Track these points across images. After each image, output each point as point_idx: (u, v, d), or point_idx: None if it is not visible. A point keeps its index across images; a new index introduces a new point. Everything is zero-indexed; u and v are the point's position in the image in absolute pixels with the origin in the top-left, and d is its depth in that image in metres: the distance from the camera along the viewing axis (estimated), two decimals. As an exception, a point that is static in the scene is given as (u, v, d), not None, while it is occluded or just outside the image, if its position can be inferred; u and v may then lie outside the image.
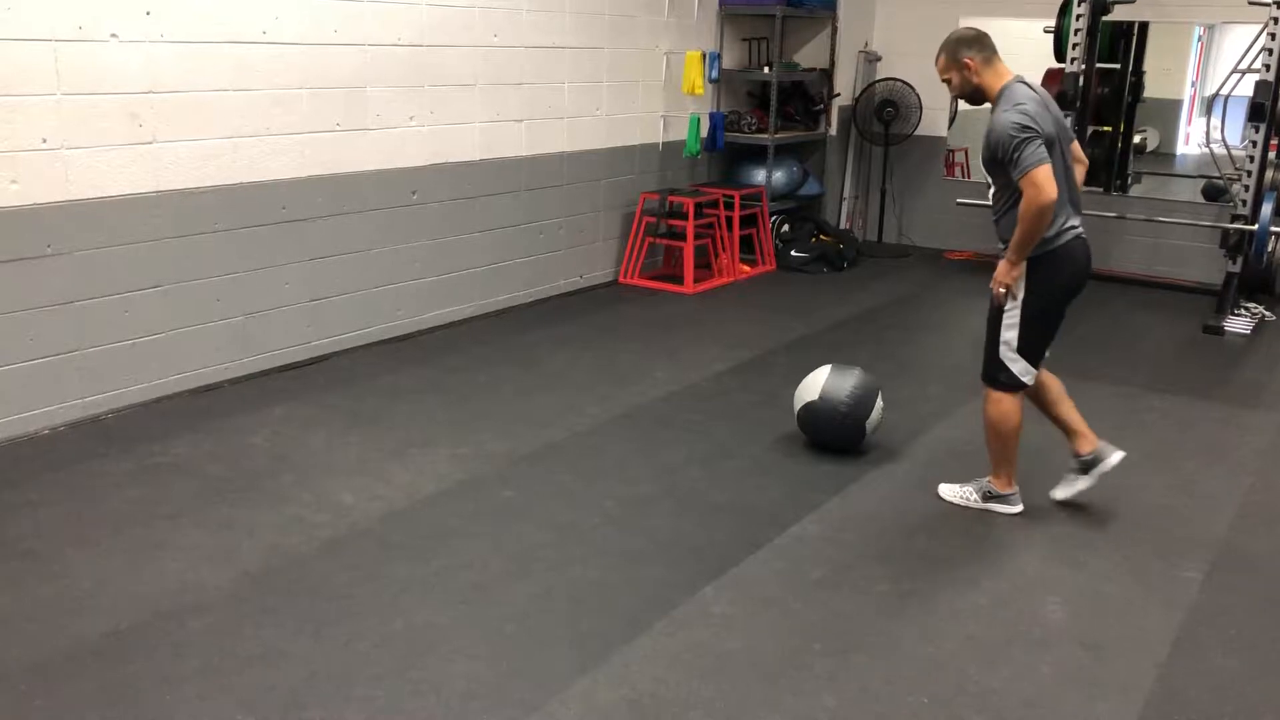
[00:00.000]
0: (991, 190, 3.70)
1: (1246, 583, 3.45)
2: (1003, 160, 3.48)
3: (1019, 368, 3.69)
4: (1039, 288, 3.62)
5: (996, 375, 3.74)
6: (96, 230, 4.43)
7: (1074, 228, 3.64)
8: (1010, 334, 3.67)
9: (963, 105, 8.83)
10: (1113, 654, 3.02)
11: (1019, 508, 3.86)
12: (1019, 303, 3.64)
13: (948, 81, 3.71)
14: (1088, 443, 3.85)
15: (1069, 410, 3.88)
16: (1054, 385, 3.89)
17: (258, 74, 4.90)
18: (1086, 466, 3.84)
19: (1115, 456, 3.82)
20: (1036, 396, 3.89)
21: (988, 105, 3.67)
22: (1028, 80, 3.64)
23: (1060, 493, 3.90)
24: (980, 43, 3.63)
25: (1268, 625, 3.19)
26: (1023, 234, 3.49)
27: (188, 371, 4.86)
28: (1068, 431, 3.89)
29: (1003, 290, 3.64)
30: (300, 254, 5.25)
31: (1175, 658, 3.01)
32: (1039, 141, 3.42)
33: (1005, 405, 3.77)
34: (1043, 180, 3.39)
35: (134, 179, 4.52)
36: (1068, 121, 3.90)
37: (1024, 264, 3.58)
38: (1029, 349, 3.69)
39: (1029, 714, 2.74)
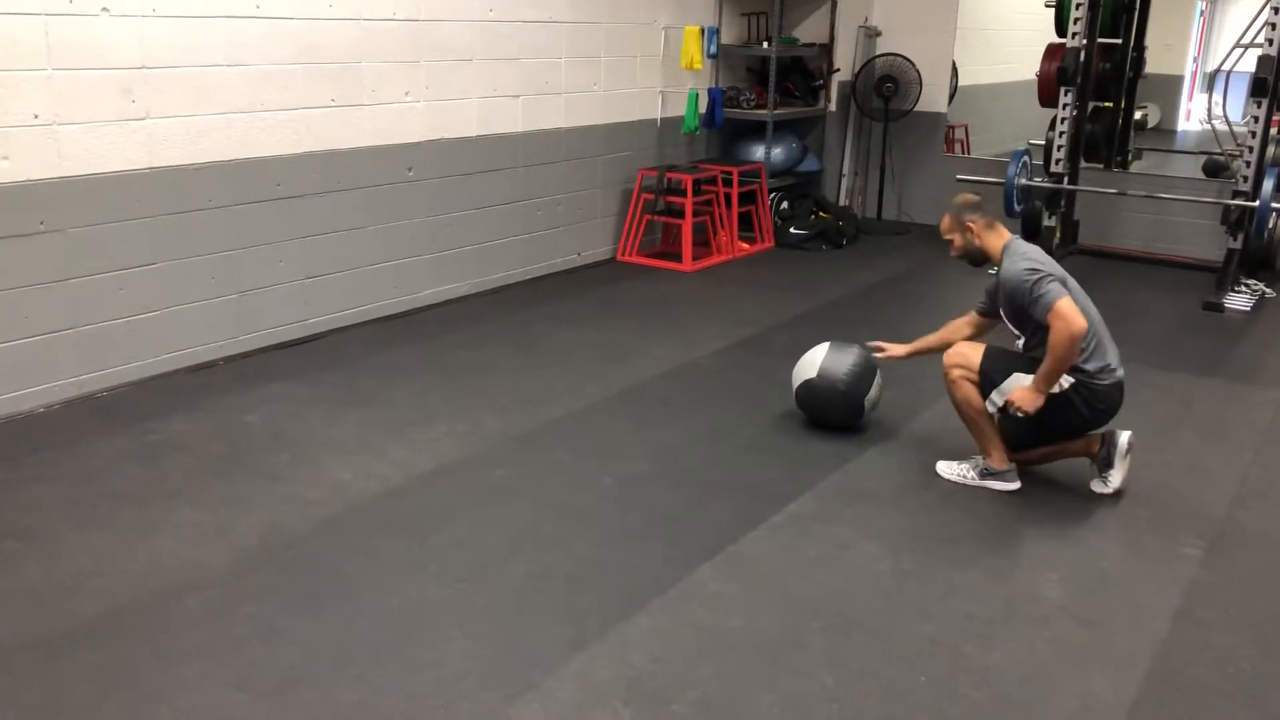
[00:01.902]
0: (1021, 341, 3.80)
1: (1246, 559, 3.45)
2: (1025, 305, 3.60)
3: (997, 399, 3.71)
4: (1064, 404, 3.65)
5: (992, 371, 3.74)
6: (90, 207, 4.40)
7: (1116, 371, 3.71)
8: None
9: (963, 80, 8.82)
10: (1111, 630, 3.01)
11: (1016, 484, 3.85)
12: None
13: (950, 242, 3.92)
14: (1094, 442, 3.84)
15: (1062, 447, 3.91)
16: (1044, 449, 3.92)
17: (251, 49, 4.86)
18: (1107, 461, 3.82)
19: (1123, 437, 3.80)
20: (1026, 464, 3.92)
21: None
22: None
23: (1099, 488, 3.87)
24: (982, 208, 3.85)
25: (1267, 602, 3.19)
26: (1053, 363, 3.55)
27: (183, 349, 4.84)
28: (1076, 456, 3.91)
29: (1018, 411, 3.66)
30: (296, 231, 5.22)
31: (1174, 634, 3.00)
32: (1053, 279, 3.56)
33: (964, 390, 3.81)
34: (1067, 311, 3.49)
35: (127, 155, 4.49)
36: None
37: (1048, 395, 3.63)
38: (1012, 422, 3.74)
39: (1027, 691, 2.74)
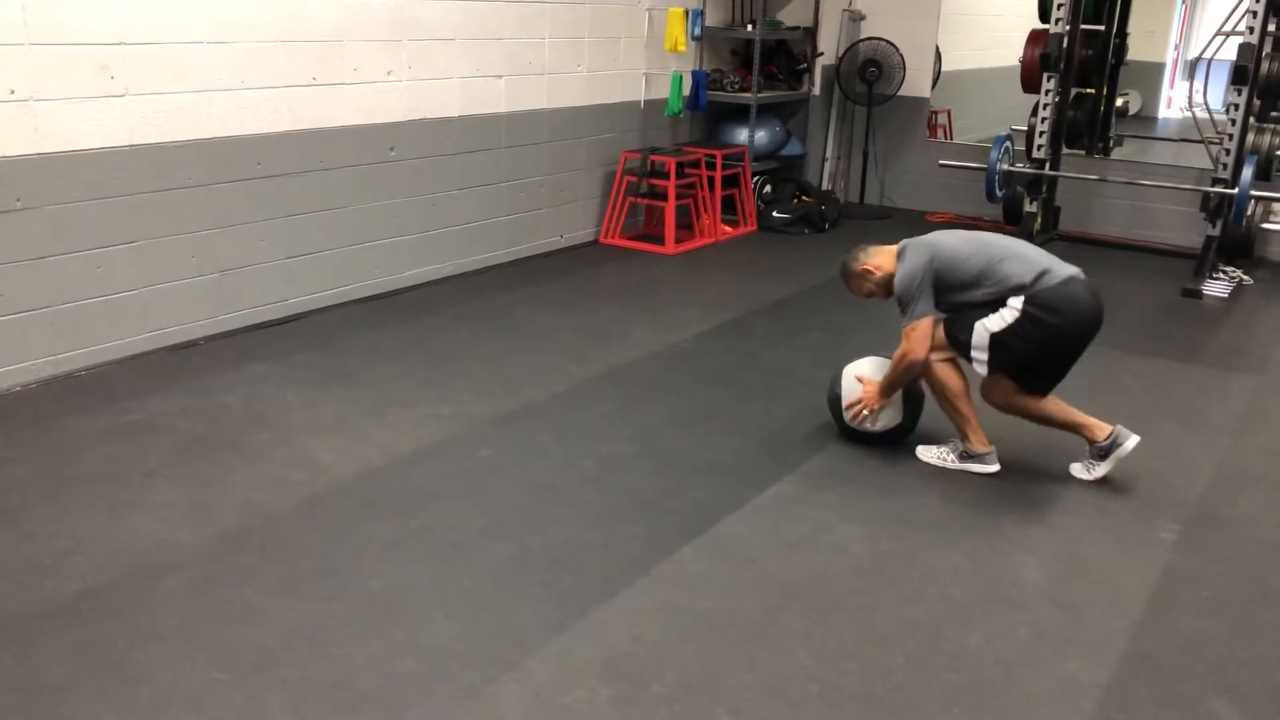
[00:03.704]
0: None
1: (1221, 544, 3.48)
2: (901, 307, 3.76)
3: (977, 355, 3.72)
4: (1031, 324, 3.62)
5: (957, 331, 3.75)
6: (68, 184, 4.35)
7: (1053, 273, 3.65)
8: (995, 326, 3.67)
9: (946, 65, 8.83)
10: (1088, 614, 3.04)
11: (995, 466, 3.87)
12: (1007, 324, 3.65)
13: (871, 294, 3.96)
14: (1100, 430, 3.81)
15: (1067, 414, 3.84)
16: (1047, 404, 3.84)
17: (232, 26, 4.81)
18: (1104, 452, 3.81)
19: (1131, 442, 3.78)
20: (1029, 417, 3.87)
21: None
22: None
23: (1079, 473, 3.88)
24: (862, 250, 3.96)
25: (1241, 586, 3.22)
26: (889, 379, 3.86)
27: (163, 328, 4.81)
28: (1075, 429, 3.85)
29: (865, 412, 3.94)
30: (276, 210, 5.18)
31: (1149, 617, 3.03)
32: (928, 292, 3.69)
33: (941, 371, 3.81)
34: (918, 338, 3.69)
35: (106, 132, 4.44)
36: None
37: (892, 395, 3.91)
38: (999, 359, 3.72)
39: (1004, 673, 2.76)
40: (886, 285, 3.86)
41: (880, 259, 3.88)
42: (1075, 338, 3.70)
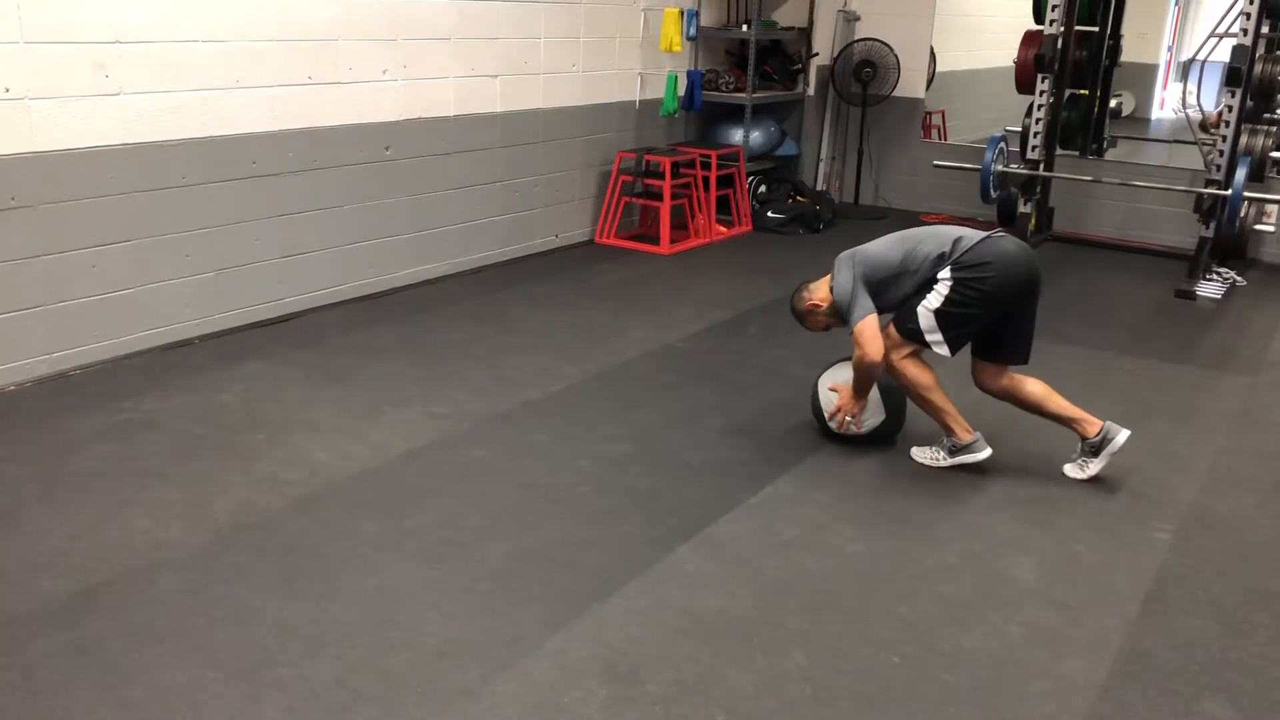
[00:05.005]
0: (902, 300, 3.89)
1: (1215, 543, 3.49)
2: (845, 319, 3.84)
3: (932, 337, 3.75)
4: (973, 284, 3.68)
5: (905, 322, 3.80)
6: (63, 183, 4.35)
7: (965, 240, 3.74)
8: (934, 303, 3.72)
9: (941, 66, 8.84)
10: (1082, 613, 3.05)
11: (987, 451, 3.87)
12: (944, 297, 3.71)
13: (829, 326, 4.04)
14: (1092, 426, 3.83)
15: (1059, 405, 3.87)
16: (1036, 389, 3.89)
17: (227, 25, 4.81)
18: (1096, 448, 3.83)
19: (1122, 436, 3.80)
20: (1020, 403, 3.92)
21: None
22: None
23: (1073, 472, 3.89)
24: (803, 288, 4.04)
25: (1235, 585, 3.23)
26: (855, 384, 3.94)
27: (157, 327, 4.80)
28: (1067, 423, 3.87)
29: (846, 418, 4.00)
30: (271, 209, 5.18)
31: (1143, 617, 3.04)
32: (863, 293, 3.77)
33: (909, 370, 3.83)
34: (867, 338, 3.74)
35: (101, 131, 4.43)
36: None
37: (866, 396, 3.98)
38: (954, 335, 3.76)
39: (999, 673, 2.77)
40: (831, 312, 3.94)
41: (821, 291, 3.97)
42: (1013, 288, 3.74)
